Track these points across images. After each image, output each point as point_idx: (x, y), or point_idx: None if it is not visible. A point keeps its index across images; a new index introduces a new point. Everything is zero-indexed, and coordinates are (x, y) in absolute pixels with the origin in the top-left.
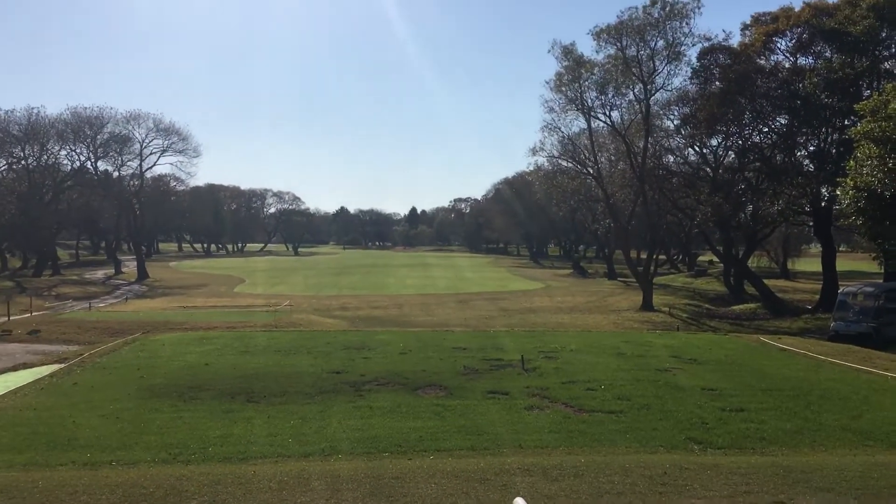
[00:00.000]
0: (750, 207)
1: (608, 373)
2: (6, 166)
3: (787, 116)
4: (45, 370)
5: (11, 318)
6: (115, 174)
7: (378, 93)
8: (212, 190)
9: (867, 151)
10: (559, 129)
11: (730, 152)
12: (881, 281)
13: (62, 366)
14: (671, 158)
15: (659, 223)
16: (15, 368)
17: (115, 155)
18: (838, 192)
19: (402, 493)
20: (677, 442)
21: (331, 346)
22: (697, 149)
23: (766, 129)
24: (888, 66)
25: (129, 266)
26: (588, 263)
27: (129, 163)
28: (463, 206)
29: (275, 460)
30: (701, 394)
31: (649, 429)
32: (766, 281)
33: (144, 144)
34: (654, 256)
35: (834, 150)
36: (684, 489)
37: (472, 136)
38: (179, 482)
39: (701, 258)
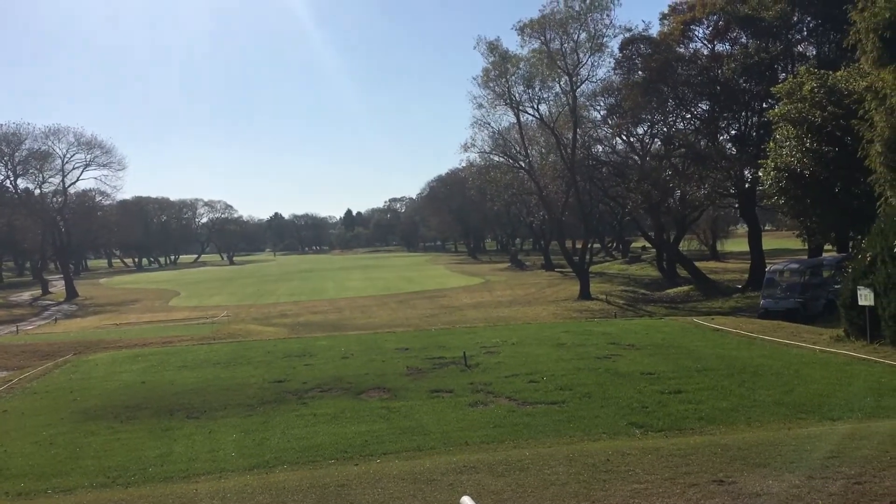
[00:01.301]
0: (678, 193)
1: (549, 364)
2: None
3: (708, 102)
4: None
5: None
6: (37, 191)
7: (303, 96)
8: (140, 203)
9: (785, 133)
10: (489, 124)
11: (656, 140)
12: (806, 257)
13: None
14: (600, 148)
15: (591, 213)
16: None
17: (36, 172)
18: (760, 174)
19: (349, 502)
20: (619, 428)
21: (271, 355)
22: (625, 138)
23: (689, 116)
24: (801, 49)
25: (57, 286)
26: (525, 256)
27: (50, 179)
28: (398, 205)
29: (217, 476)
30: (640, 378)
31: (592, 416)
32: (697, 263)
33: (66, 159)
34: (589, 246)
35: (754, 133)
36: (627, 475)
37: (403, 136)
38: None
39: (634, 244)
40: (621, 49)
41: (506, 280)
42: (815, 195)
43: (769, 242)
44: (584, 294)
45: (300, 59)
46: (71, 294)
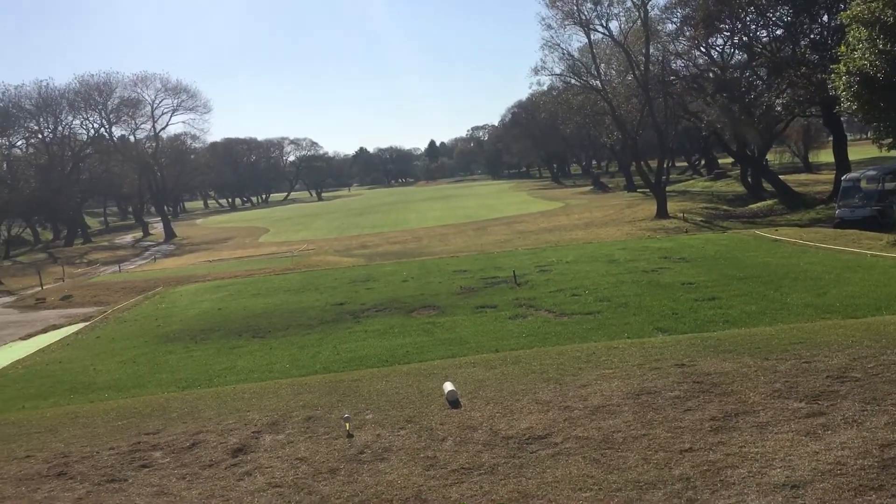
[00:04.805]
0: (760, 103)
1: (595, 278)
2: (23, 141)
3: (787, 7)
4: (72, 329)
5: (45, 286)
6: (132, 138)
7: (381, 27)
8: (229, 144)
9: (857, 35)
10: (559, 45)
11: (736, 50)
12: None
13: (88, 324)
14: (677, 63)
15: (667, 130)
16: (45, 330)
17: (129, 119)
18: (832, 78)
19: (354, 390)
20: (645, 333)
21: (338, 281)
22: (703, 50)
23: (769, 22)
24: None
25: (157, 227)
26: (610, 179)
27: (142, 126)
28: (481, 133)
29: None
30: (679, 288)
31: (621, 324)
32: (788, 176)
33: (155, 105)
34: (666, 164)
35: (830, 39)
36: (602, 363)
37: (484, 62)
38: (167, 402)
39: (723, 160)
40: None
41: (586, 203)
42: (889, 99)
43: (862, 152)
44: (661, 213)
45: None
46: (169, 235)
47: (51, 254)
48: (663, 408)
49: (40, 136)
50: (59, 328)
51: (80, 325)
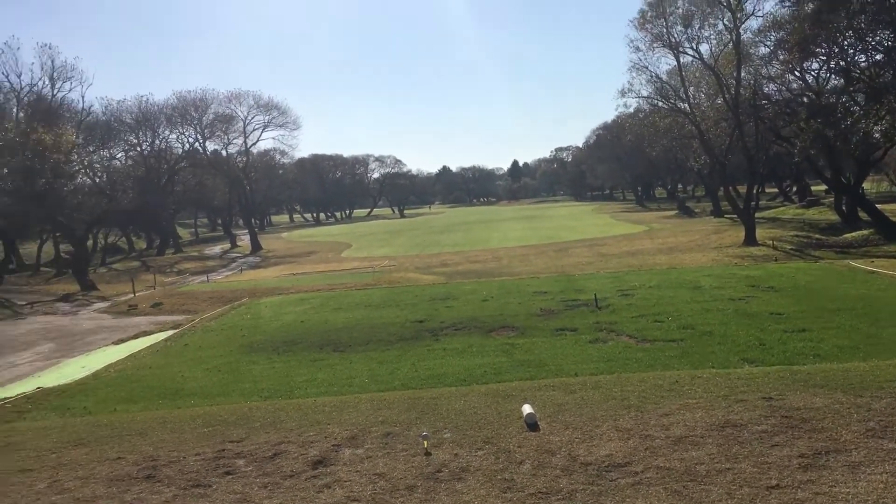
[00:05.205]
0: (858, 130)
1: (679, 305)
2: (123, 153)
3: (888, 31)
4: (162, 335)
5: (137, 294)
6: (224, 153)
7: (466, 49)
8: (316, 160)
9: None
10: (646, 67)
11: (831, 75)
12: None
13: (176, 331)
14: (770, 87)
15: (757, 155)
16: (137, 336)
17: (221, 134)
18: None
19: (433, 408)
20: (730, 363)
21: (418, 298)
22: (798, 75)
23: (868, 48)
24: None
25: (244, 240)
26: (696, 203)
27: (234, 141)
28: (564, 154)
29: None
30: (767, 318)
31: (706, 353)
32: (885, 206)
33: (247, 121)
34: (756, 189)
35: None
36: (684, 392)
37: (568, 84)
38: (250, 411)
39: (816, 188)
40: None
41: (670, 227)
42: None
43: None
44: (750, 240)
45: (463, 13)
46: (255, 247)
47: (144, 262)
48: (749, 442)
49: (139, 148)
50: (149, 334)
51: (170, 333)
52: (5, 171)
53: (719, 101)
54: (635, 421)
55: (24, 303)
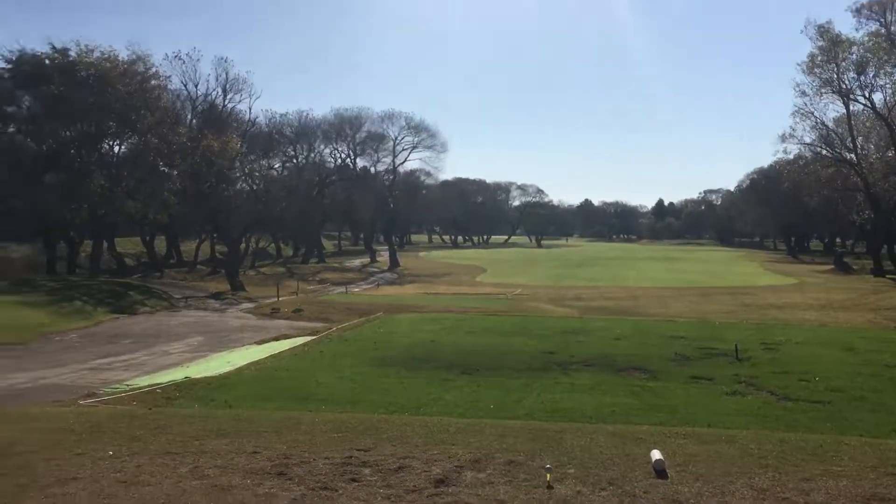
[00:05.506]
0: None
1: (829, 365)
2: (280, 164)
3: None
4: (300, 340)
5: (280, 298)
6: (372, 170)
7: (616, 82)
8: (459, 183)
9: None
10: (812, 113)
11: None
12: None
13: (314, 338)
14: None
15: None
16: (277, 339)
17: (372, 152)
18: None
19: (557, 441)
20: (881, 433)
21: (550, 329)
22: None
23: None
24: None
25: (383, 255)
26: (855, 259)
27: (383, 159)
28: (714, 197)
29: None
30: None
31: (854, 419)
32: None
33: (397, 142)
34: None
35: None
36: (829, 458)
37: (720, 125)
38: (379, 422)
39: None
40: None
41: (823, 283)
42: None
43: None
44: None
45: (613, 47)
46: (393, 263)
47: (289, 269)
48: None
49: (295, 160)
50: (288, 338)
51: (308, 338)
52: (175, 173)
53: (890, 153)
54: (772, 482)
55: (179, 296)
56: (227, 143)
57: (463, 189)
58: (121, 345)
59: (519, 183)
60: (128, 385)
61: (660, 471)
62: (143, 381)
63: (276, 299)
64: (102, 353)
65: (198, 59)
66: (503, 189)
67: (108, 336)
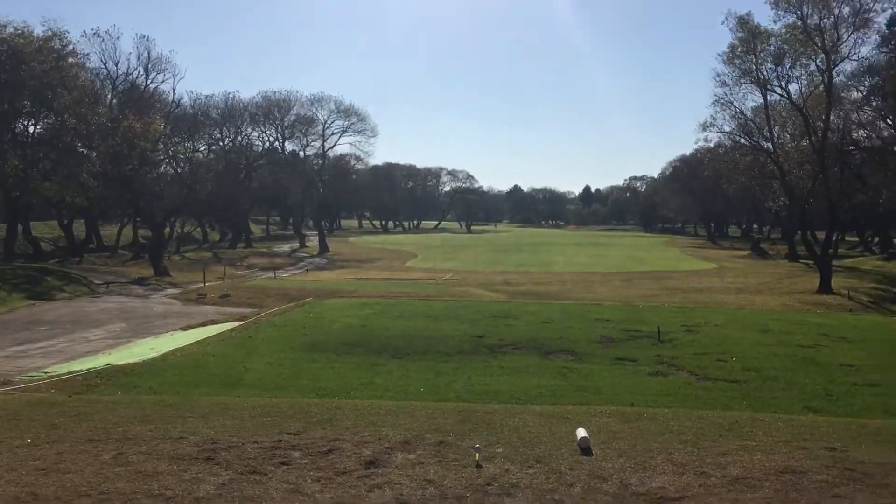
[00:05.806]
0: None
1: (745, 347)
2: (206, 146)
3: None
4: (227, 326)
5: (207, 284)
6: (301, 154)
7: (545, 71)
8: (389, 168)
9: None
10: (731, 103)
11: None
12: None
13: (242, 323)
14: (861, 133)
15: (841, 202)
16: (204, 324)
17: (301, 135)
18: None
19: (487, 422)
20: (793, 410)
21: (479, 314)
22: (891, 122)
23: None
24: None
25: (313, 240)
26: (770, 245)
27: (312, 143)
28: (638, 184)
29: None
30: (837, 369)
31: (768, 397)
32: None
33: (326, 125)
34: (835, 237)
35: None
36: (744, 434)
37: (645, 113)
38: (308, 406)
39: None
40: (889, 25)
41: (741, 268)
42: None
43: None
44: (824, 288)
45: (544, 37)
46: (323, 249)
47: (215, 254)
48: (808, 490)
49: (221, 143)
50: (216, 323)
51: (235, 324)
52: (94, 154)
53: (805, 142)
54: (691, 457)
55: (100, 282)
56: (150, 125)
57: (393, 174)
58: (38, 331)
59: (449, 168)
60: (46, 373)
61: (585, 448)
62: (62, 368)
63: (202, 285)
64: (18, 341)
65: (118, 37)
66: (433, 174)
67: (23, 323)
